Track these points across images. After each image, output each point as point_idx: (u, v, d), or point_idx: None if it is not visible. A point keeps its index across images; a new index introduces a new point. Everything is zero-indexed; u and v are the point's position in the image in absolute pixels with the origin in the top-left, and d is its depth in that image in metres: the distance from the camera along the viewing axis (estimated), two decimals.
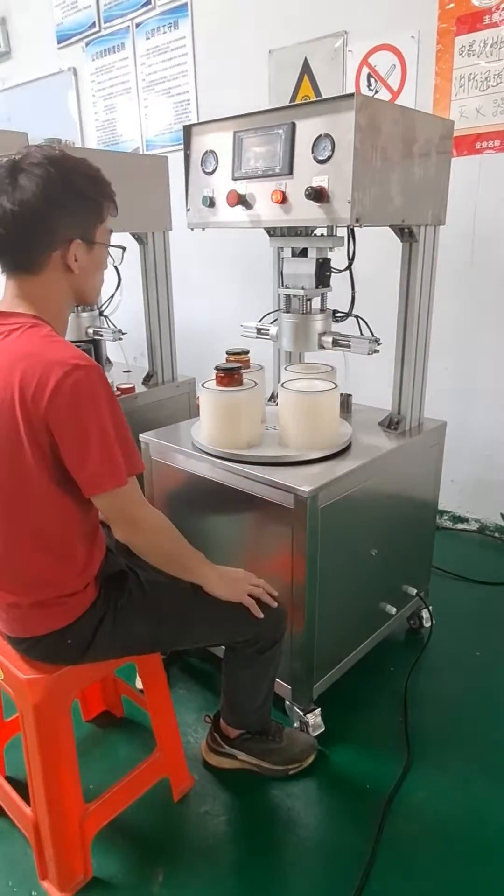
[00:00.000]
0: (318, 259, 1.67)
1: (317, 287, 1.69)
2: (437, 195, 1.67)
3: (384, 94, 2.55)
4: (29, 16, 3.91)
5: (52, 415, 1.04)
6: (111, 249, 1.26)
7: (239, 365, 1.70)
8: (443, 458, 1.97)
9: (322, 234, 1.67)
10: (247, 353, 1.79)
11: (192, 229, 1.76)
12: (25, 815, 1.32)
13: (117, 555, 1.34)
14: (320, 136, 1.40)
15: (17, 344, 1.09)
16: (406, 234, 1.66)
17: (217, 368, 1.66)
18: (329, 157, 1.39)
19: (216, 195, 1.65)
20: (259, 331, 1.91)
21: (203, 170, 1.67)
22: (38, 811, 1.28)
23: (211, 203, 1.66)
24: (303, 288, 1.70)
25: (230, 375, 1.64)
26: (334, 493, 1.53)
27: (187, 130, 1.68)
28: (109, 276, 2.09)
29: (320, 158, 1.41)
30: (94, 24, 3.53)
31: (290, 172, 1.47)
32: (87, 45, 3.62)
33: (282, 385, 1.68)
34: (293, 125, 1.45)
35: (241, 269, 3.24)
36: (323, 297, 1.76)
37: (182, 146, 1.72)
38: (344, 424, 1.80)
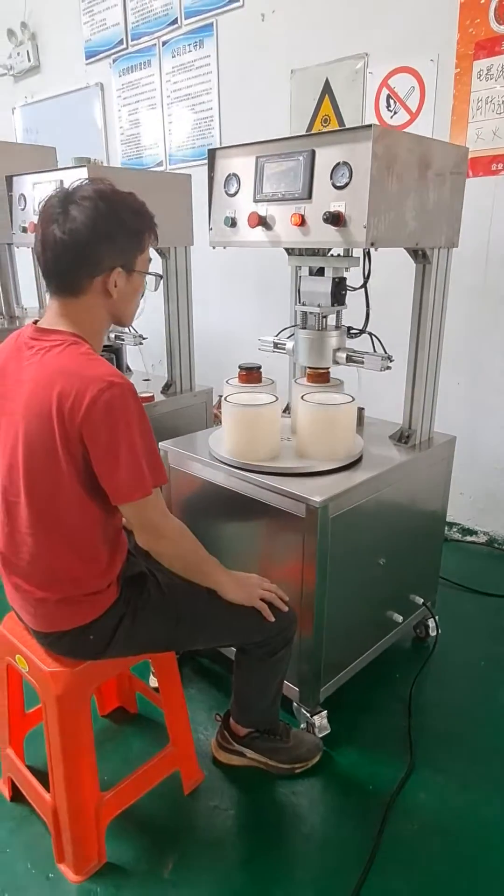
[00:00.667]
0: (334, 278, 1.74)
1: (332, 305, 1.77)
2: (451, 219, 1.74)
3: (403, 116, 2.62)
4: (59, 32, 4.04)
5: (86, 427, 1.12)
6: (147, 276, 1.34)
7: (259, 364, 1.85)
8: (452, 471, 2.02)
9: (338, 255, 1.74)
10: (259, 367, 1.87)
11: (213, 247, 1.84)
12: (45, 801, 1.40)
13: (138, 557, 1.42)
14: (339, 163, 1.47)
15: (57, 359, 1.17)
16: (420, 255, 1.72)
17: (240, 367, 1.83)
18: (347, 184, 1.46)
19: (238, 216, 1.72)
20: (276, 345, 1.98)
21: (226, 191, 1.74)
22: (56, 797, 1.35)
23: (233, 223, 1.73)
24: (319, 305, 1.77)
25: (251, 373, 1.81)
26: (345, 504, 1.59)
27: (212, 154, 1.77)
28: None
29: (338, 185, 1.48)
30: (121, 41, 3.65)
31: (309, 197, 1.55)
32: (114, 61, 3.74)
33: (302, 398, 1.75)
34: (313, 152, 1.52)
35: (258, 282, 3.31)
36: (338, 314, 1.84)
37: (203, 161, 1.80)
38: (356, 437, 1.86)
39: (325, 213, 1.48)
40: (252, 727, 1.63)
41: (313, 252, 1.76)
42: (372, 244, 1.47)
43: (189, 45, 3.31)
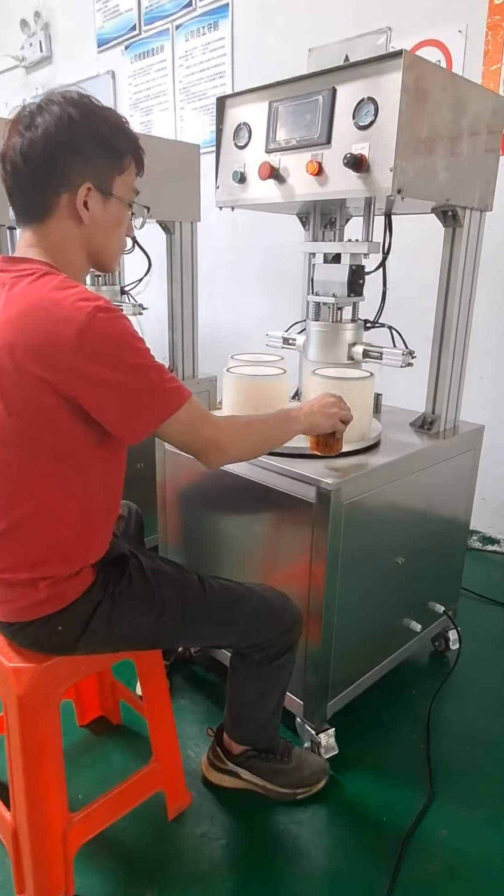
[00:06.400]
0: (351, 266, 1.56)
1: (349, 295, 1.58)
2: (485, 177, 1.57)
3: None
4: (71, 21, 3.98)
5: (83, 367, 0.95)
6: (132, 212, 1.17)
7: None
8: (478, 465, 1.83)
9: (356, 240, 1.56)
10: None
11: (220, 208, 1.68)
12: (5, 821, 1.20)
13: (121, 539, 1.23)
14: (363, 100, 1.31)
15: (29, 291, 0.99)
16: (449, 217, 1.55)
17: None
18: (371, 123, 1.30)
19: (247, 170, 1.57)
20: (285, 340, 1.81)
21: (235, 143, 1.59)
22: (17, 816, 1.16)
23: (241, 178, 1.57)
24: (334, 295, 1.59)
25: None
26: (360, 490, 1.41)
27: (220, 102, 1.61)
28: (138, 258, 2.03)
29: (362, 124, 1.32)
30: (134, 27, 3.56)
31: (328, 141, 1.38)
32: (126, 48, 3.64)
33: (313, 372, 1.56)
34: (334, 90, 1.36)
35: (266, 275, 3.20)
36: (354, 306, 1.65)
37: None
38: (374, 421, 1.67)
39: (345, 157, 1.32)
40: (248, 744, 1.43)
41: (329, 214, 1.58)
42: (399, 191, 1.30)
43: (203, 27, 3.20)
